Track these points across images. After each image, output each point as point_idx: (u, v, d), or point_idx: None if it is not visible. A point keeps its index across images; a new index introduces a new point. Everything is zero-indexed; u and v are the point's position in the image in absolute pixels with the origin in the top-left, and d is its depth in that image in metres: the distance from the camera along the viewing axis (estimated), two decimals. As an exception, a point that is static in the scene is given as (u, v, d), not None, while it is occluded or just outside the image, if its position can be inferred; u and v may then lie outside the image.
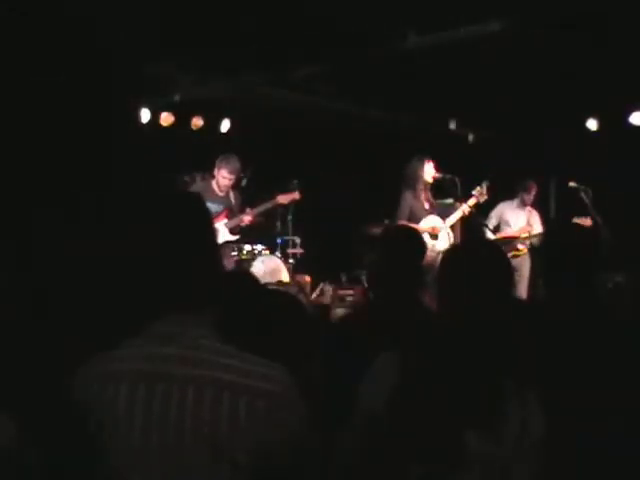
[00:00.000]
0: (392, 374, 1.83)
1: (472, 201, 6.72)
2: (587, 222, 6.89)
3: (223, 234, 6.71)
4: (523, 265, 7.46)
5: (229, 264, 6.71)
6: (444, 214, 6.74)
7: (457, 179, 6.61)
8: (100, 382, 1.46)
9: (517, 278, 7.39)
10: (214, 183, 6.74)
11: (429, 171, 6.53)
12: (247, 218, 6.81)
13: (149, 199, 1.60)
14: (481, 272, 1.86)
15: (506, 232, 7.64)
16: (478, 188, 6.77)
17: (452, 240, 6.64)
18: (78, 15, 2.51)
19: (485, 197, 6.84)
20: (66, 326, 2.35)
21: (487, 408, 1.74)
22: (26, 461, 1.44)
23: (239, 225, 6.90)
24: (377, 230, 6.47)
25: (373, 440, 1.81)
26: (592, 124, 8.35)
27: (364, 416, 1.85)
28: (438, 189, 6.81)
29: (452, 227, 6.73)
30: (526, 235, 7.50)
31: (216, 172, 6.70)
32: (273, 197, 7.00)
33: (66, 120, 2.51)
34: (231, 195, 6.82)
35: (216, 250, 1.59)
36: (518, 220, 7.63)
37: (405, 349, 1.88)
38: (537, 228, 7.60)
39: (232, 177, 6.66)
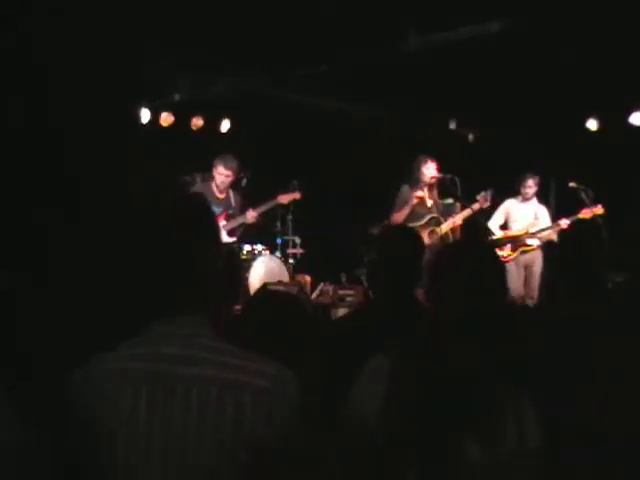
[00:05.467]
0: (384, 378, 1.80)
1: (476, 206, 6.74)
2: (599, 210, 6.89)
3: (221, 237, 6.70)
4: (535, 261, 7.33)
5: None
6: (444, 214, 6.76)
7: (457, 179, 6.62)
8: (102, 382, 1.46)
9: (529, 274, 7.32)
10: (213, 185, 6.75)
11: (427, 172, 6.55)
12: (250, 215, 6.78)
13: (150, 200, 1.60)
14: (470, 272, 1.84)
15: (513, 229, 7.53)
16: (483, 193, 6.79)
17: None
18: (77, 15, 2.51)
19: (488, 204, 6.88)
20: (68, 326, 2.35)
21: (483, 413, 1.72)
22: (30, 459, 1.44)
23: (240, 226, 6.88)
24: (377, 230, 6.48)
25: (366, 445, 1.79)
26: (592, 124, 8.35)
27: (356, 422, 1.83)
28: (438, 189, 6.82)
29: (452, 230, 6.75)
30: (535, 230, 7.37)
31: (214, 171, 6.72)
32: (274, 197, 7.00)
33: (65, 120, 2.51)
34: (231, 197, 6.81)
35: (217, 250, 1.58)
36: (525, 215, 7.51)
37: (397, 352, 1.86)
38: (545, 222, 7.47)
39: (228, 173, 6.65)
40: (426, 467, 1.71)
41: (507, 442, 1.70)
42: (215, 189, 6.73)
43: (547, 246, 7.32)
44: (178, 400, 1.40)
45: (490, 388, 1.74)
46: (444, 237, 6.67)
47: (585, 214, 6.96)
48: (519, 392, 1.76)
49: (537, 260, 7.34)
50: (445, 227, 6.68)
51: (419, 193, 6.53)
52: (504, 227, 7.60)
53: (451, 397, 1.72)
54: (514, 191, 7.61)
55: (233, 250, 6.81)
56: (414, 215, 6.56)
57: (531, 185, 7.47)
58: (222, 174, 6.64)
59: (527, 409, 1.74)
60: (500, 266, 1.92)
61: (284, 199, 7.03)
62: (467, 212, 6.73)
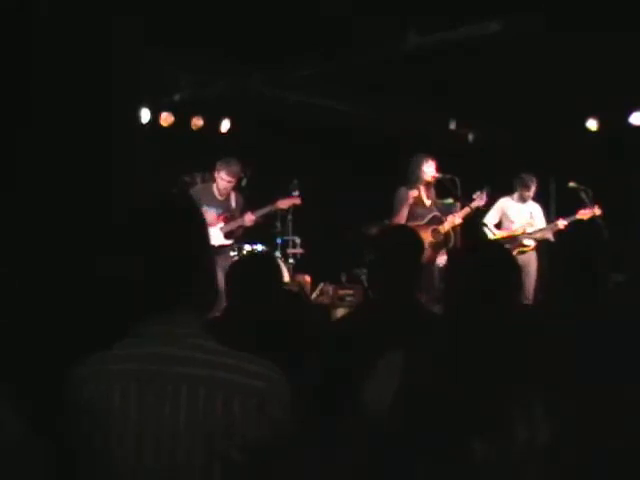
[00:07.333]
0: (397, 376, 1.80)
1: (474, 204, 6.75)
2: (597, 211, 6.89)
3: (218, 238, 6.65)
4: (530, 262, 7.23)
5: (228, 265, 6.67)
6: (444, 214, 6.77)
7: (457, 179, 6.62)
8: (94, 382, 1.46)
9: (524, 275, 7.25)
10: (214, 187, 6.71)
11: (428, 170, 6.55)
12: (249, 219, 6.75)
13: (144, 200, 1.60)
14: (489, 274, 1.85)
15: (508, 228, 7.52)
16: (479, 192, 6.80)
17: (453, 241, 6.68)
18: (76, 16, 2.51)
19: (483, 202, 6.89)
20: (60, 327, 2.35)
21: (493, 413, 1.72)
22: (27, 459, 1.44)
23: (239, 228, 6.84)
24: (377, 230, 6.48)
25: (378, 442, 1.79)
26: (592, 124, 8.35)
27: (369, 417, 1.83)
28: (438, 189, 6.83)
29: (453, 228, 6.75)
30: (531, 230, 7.37)
31: (216, 175, 6.67)
32: (273, 202, 6.97)
33: (64, 120, 2.51)
34: (232, 199, 6.77)
35: (207, 252, 1.58)
36: (520, 215, 7.50)
37: (409, 351, 1.86)
38: (540, 222, 7.47)
39: (231, 180, 6.63)
40: (435, 463, 1.71)
41: (516, 440, 1.70)
42: (216, 191, 6.70)
43: (543, 246, 7.32)
44: (168, 399, 1.41)
45: (501, 386, 1.74)
46: (447, 236, 6.68)
47: (583, 215, 6.97)
48: (530, 390, 1.76)
49: (532, 261, 7.29)
50: (447, 226, 6.69)
51: (414, 193, 6.53)
52: (498, 226, 7.58)
53: (463, 394, 1.73)
54: (511, 189, 7.60)
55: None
56: (414, 215, 6.55)
57: (534, 188, 7.45)
58: (224, 180, 6.61)
59: (537, 407, 1.74)
60: (515, 267, 1.92)
61: (283, 204, 6.99)
62: (466, 211, 6.75)
